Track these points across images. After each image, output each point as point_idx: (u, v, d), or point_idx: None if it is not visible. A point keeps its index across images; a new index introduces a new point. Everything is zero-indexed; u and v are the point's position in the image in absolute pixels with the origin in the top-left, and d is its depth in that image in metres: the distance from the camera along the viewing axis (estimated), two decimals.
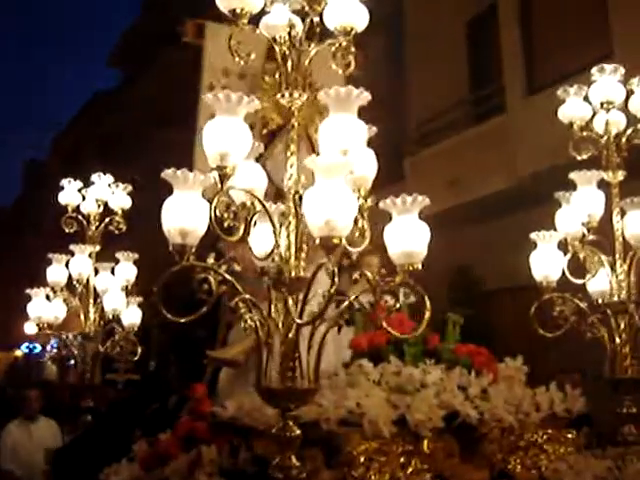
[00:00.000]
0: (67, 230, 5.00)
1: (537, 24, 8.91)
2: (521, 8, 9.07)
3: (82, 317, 4.96)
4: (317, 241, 2.08)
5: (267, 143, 4.60)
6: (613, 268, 3.42)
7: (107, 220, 5.14)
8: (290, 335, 2.34)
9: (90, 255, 4.98)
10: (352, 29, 2.55)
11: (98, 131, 19.38)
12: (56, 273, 4.90)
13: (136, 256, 5.18)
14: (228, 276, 2.36)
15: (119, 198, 5.19)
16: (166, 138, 14.41)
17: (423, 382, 2.88)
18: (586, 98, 3.62)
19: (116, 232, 5.15)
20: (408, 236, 2.34)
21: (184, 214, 2.24)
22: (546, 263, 3.38)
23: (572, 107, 3.62)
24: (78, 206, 5.07)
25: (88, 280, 4.98)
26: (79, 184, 5.08)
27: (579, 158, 3.64)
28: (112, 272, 5.15)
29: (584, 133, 3.60)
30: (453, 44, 10.07)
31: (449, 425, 2.75)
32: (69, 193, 5.05)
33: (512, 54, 8.94)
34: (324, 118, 5.25)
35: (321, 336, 2.29)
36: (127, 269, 5.10)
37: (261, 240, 2.51)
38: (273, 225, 2.37)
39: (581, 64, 7.26)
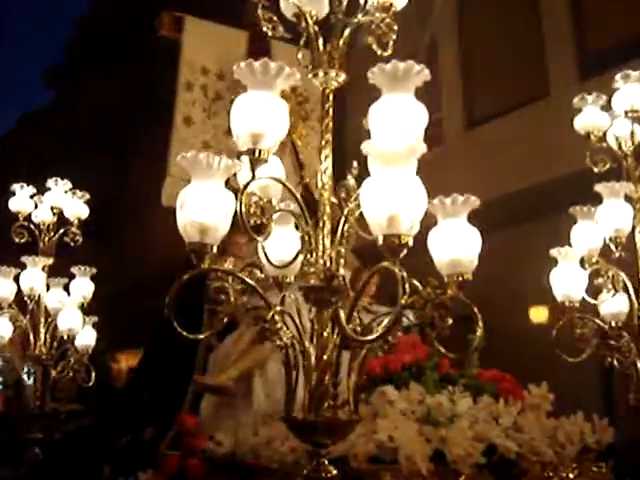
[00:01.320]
0: (17, 240, 4.49)
1: (477, 59, 8.87)
2: (461, 43, 9.06)
3: (32, 337, 4.44)
4: (380, 241, 1.72)
5: None
6: (637, 288, 3.18)
7: (62, 231, 4.65)
8: (325, 356, 1.97)
9: (43, 269, 4.48)
10: (391, 5, 2.22)
11: (27, 148, 18.47)
12: (3, 288, 4.37)
13: (94, 271, 4.71)
14: (253, 283, 1.98)
15: (76, 207, 4.71)
16: (101, 160, 13.83)
17: (454, 412, 2.54)
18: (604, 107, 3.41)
19: (72, 244, 4.67)
20: (456, 242, 2.02)
21: (204, 207, 1.86)
22: (568, 281, 3.12)
23: (590, 116, 3.40)
24: (29, 214, 4.59)
25: (39, 296, 4.48)
26: (32, 190, 4.59)
27: (596, 170, 3.42)
28: (65, 288, 4.68)
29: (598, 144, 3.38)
30: None
31: (488, 460, 2.41)
32: (21, 199, 4.55)
33: (452, 88, 8.87)
34: (306, 124, 4.88)
35: (362, 357, 1.95)
36: (83, 285, 4.63)
37: (280, 245, 2.14)
38: (307, 225, 2.01)
39: (519, 101, 7.33)
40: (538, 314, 7.25)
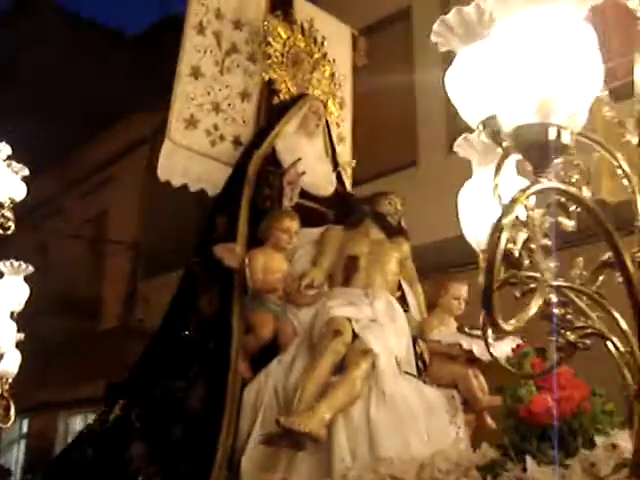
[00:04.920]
0: None
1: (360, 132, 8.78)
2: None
3: None
4: None
5: (273, 118, 3.30)
6: None
7: None
8: None
9: None
10: None
11: None
12: None
13: (30, 269, 3.53)
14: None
15: (11, 184, 3.52)
16: None
17: None
18: None
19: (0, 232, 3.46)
20: None
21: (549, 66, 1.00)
22: None
23: None
24: None
25: None
26: None
27: None
28: None
29: None
30: None
31: None
32: None
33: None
34: (335, 102, 3.86)
35: None
36: (16, 286, 3.45)
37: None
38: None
39: (394, 166, 7.54)
40: None
